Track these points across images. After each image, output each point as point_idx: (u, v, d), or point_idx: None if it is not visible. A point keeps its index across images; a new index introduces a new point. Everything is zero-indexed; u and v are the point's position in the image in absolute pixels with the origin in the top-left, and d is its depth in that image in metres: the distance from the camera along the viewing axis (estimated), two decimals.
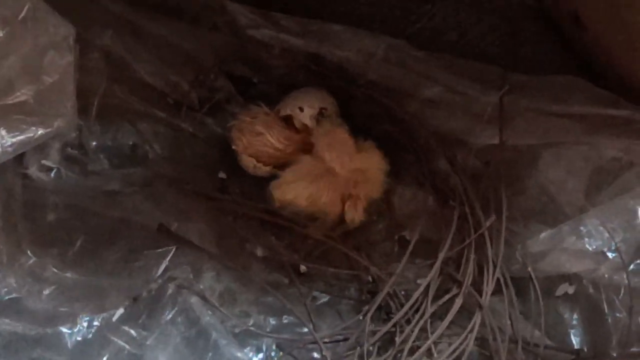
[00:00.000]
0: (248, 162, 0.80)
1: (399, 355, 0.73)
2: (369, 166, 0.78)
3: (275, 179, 0.79)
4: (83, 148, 0.78)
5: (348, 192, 0.78)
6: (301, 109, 0.80)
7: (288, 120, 0.80)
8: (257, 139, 0.79)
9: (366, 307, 0.76)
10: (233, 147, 0.80)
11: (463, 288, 0.74)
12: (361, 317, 0.76)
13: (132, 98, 0.79)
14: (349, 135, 0.78)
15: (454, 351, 0.73)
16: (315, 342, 0.74)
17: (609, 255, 0.74)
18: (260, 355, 0.75)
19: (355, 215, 0.78)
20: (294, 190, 0.78)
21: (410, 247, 0.78)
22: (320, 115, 0.80)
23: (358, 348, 0.74)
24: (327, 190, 0.78)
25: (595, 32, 0.79)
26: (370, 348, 0.74)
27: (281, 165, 0.79)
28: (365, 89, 0.80)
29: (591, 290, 0.75)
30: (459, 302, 0.74)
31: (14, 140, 0.68)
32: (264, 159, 0.80)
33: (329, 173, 0.78)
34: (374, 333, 0.74)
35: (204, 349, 0.74)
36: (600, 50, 0.80)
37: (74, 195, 0.76)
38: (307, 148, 0.79)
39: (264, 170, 0.80)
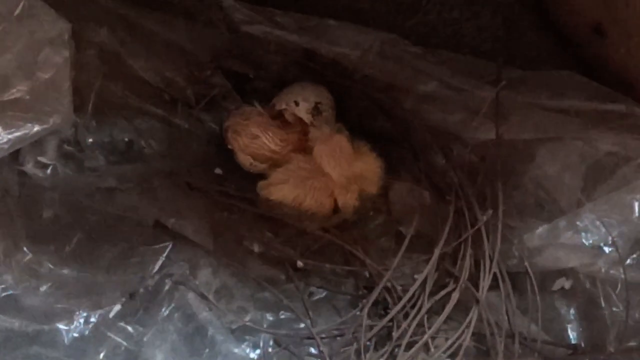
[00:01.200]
0: (244, 160, 0.81)
1: (396, 350, 0.73)
2: (366, 171, 0.79)
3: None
4: (79, 144, 0.77)
5: (340, 190, 0.78)
6: (296, 103, 0.80)
7: (283, 116, 0.80)
8: (254, 141, 0.80)
9: (363, 302, 0.77)
10: (229, 146, 0.81)
11: (460, 283, 0.74)
12: (358, 312, 0.76)
13: (127, 94, 0.79)
14: (348, 141, 0.79)
15: (451, 346, 0.73)
16: (312, 338, 0.74)
17: (606, 249, 0.74)
18: (258, 351, 0.75)
19: (348, 202, 0.78)
20: (280, 192, 0.79)
21: (406, 242, 0.78)
22: (316, 110, 0.80)
23: (355, 343, 0.74)
24: (313, 192, 0.79)
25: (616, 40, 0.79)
26: (367, 343, 0.74)
27: (277, 163, 0.80)
28: (360, 84, 0.81)
29: (588, 285, 0.75)
30: (455, 296, 0.74)
31: (10, 136, 0.68)
32: (260, 159, 0.80)
33: (318, 174, 0.78)
34: (371, 328, 0.74)
35: (201, 345, 0.73)
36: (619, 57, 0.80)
37: (70, 191, 0.76)
38: (302, 145, 0.79)
39: (260, 167, 0.81)
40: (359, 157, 0.79)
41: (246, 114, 0.80)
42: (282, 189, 0.78)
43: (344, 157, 0.78)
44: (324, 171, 0.78)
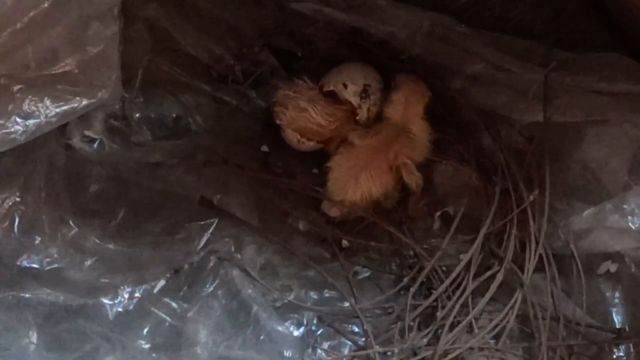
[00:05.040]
0: (292, 137, 0.80)
1: (440, 330, 0.73)
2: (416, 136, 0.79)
3: (320, 155, 0.80)
4: (126, 119, 0.78)
5: (395, 164, 0.78)
6: (345, 86, 0.79)
7: (332, 95, 0.80)
8: (301, 114, 0.79)
9: (406, 280, 0.77)
10: (277, 121, 0.80)
11: (504, 264, 0.74)
12: (402, 292, 0.76)
13: (175, 70, 0.79)
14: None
15: (494, 327, 0.73)
16: (356, 316, 0.74)
17: None
18: (301, 329, 0.76)
19: (414, 178, 0.77)
20: (346, 200, 0.78)
21: (455, 223, 0.78)
22: (364, 93, 0.79)
23: (399, 322, 0.74)
24: (375, 179, 0.78)
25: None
26: (411, 323, 0.75)
27: (325, 140, 0.79)
28: (409, 64, 0.80)
29: (634, 268, 0.75)
30: (499, 277, 0.74)
31: (57, 110, 0.69)
32: (308, 134, 0.79)
33: (370, 158, 0.78)
34: (415, 307, 0.75)
35: (244, 322, 0.74)
36: None
37: (116, 166, 0.77)
38: (350, 124, 0.79)
39: (307, 145, 0.80)
40: (408, 134, 0.79)
41: (296, 88, 0.79)
42: (345, 199, 0.78)
43: (420, 99, 0.78)
44: (378, 149, 0.78)
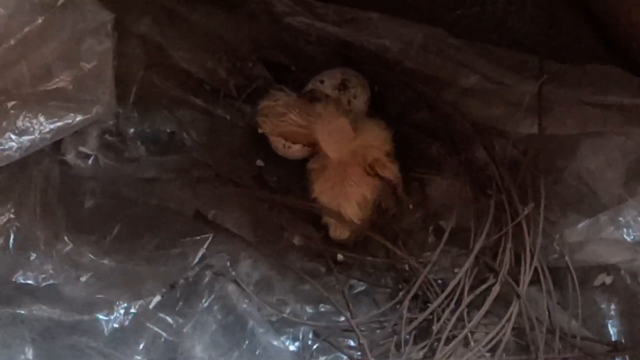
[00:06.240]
0: (277, 143, 0.80)
1: (436, 344, 0.73)
2: (370, 139, 0.78)
3: (309, 160, 0.80)
4: (121, 135, 0.78)
5: (368, 163, 0.77)
6: (322, 82, 0.81)
7: (312, 100, 0.80)
8: (282, 119, 0.79)
9: (402, 294, 0.77)
10: (260, 130, 0.80)
11: (500, 277, 0.74)
12: (398, 306, 0.76)
13: (169, 85, 0.79)
14: (349, 124, 0.77)
15: (490, 340, 0.73)
16: (352, 330, 0.74)
17: None
18: (297, 343, 0.75)
19: (388, 171, 0.77)
20: (349, 216, 0.78)
21: (446, 235, 0.78)
22: (342, 85, 0.80)
23: (395, 336, 0.74)
24: (358, 182, 0.77)
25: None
26: (407, 336, 0.74)
27: (311, 143, 0.79)
28: (402, 77, 0.80)
29: (629, 280, 0.75)
30: (495, 290, 0.74)
31: (52, 126, 0.69)
32: (292, 138, 0.79)
33: (344, 168, 0.77)
34: (410, 321, 0.74)
35: (240, 337, 0.73)
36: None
37: (111, 182, 0.77)
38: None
39: (295, 149, 0.80)
40: (361, 133, 0.78)
41: (275, 97, 0.80)
42: (345, 214, 0.78)
43: (343, 139, 0.78)
44: (346, 158, 0.77)
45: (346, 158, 0.77)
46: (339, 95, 0.80)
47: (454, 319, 0.74)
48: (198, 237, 0.76)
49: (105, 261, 0.75)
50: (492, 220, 0.77)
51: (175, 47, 0.78)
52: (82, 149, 0.76)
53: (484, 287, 0.75)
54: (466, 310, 0.74)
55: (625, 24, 0.79)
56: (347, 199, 0.77)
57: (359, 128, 0.78)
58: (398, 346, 0.74)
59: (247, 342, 0.73)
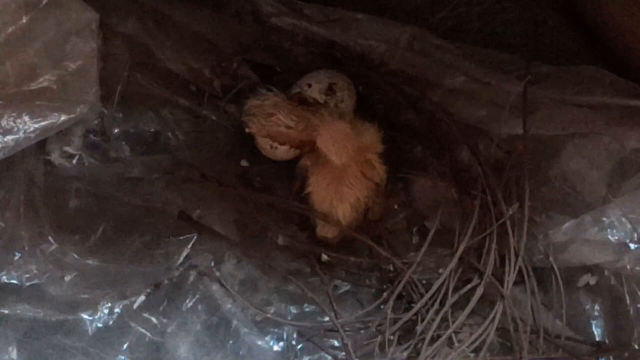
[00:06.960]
0: (264, 144, 0.80)
1: (420, 344, 0.73)
2: (365, 139, 0.78)
3: (298, 162, 0.79)
4: (105, 135, 0.78)
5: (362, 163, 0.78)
6: (309, 85, 0.81)
7: (300, 101, 0.79)
8: (269, 119, 0.78)
9: (386, 294, 0.76)
10: (247, 130, 0.79)
11: (484, 277, 0.74)
12: (382, 306, 0.76)
13: (154, 85, 0.79)
14: (349, 126, 0.78)
15: (474, 341, 0.73)
16: (336, 330, 0.74)
17: (631, 246, 0.73)
18: (281, 344, 0.75)
19: (375, 172, 0.77)
20: (339, 217, 0.78)
21: (430, 236, 0.78)
22: (330, 90, 0.80)
23: (379, 336, 0.74)
24: (354, 184, 0.77)
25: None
26: (391, 337, 0.74)
27: (298, 145, 0.79)
28: (387, 77, 0.80)
29: (613, 281, 0.75)
30: (480, 291, 0.74)
31: (36, 126, 0.69)
32: (279, 139, 0.79)
33: (343, 167, 0.77)
34: (395, 321, 0.75)
35: (224, 337, 0.74)
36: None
37: (95, 182, 0.77)
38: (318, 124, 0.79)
39: (281, 150, 0.80)
40: (357, 135, 0.77)
41: (263, 97, 0.79)
42: (335, 213, 0.78)
43: (347, 143, 0.78)
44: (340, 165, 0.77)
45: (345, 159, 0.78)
46: (326, 99, 0.80)
47: (438, 319, 0.74)
48: (182, 237, 0.76)
49: (90, 261, 0.75)
50: (476, 221, 0.77)
51: (161, 47, 0.78)
52: (66, 148, 0.75)
53: (468, 287, 0.75)
54: (450, 310, 0.74)
55: (610, 25, 0.79)
56: (341, 199, 0.77)
57: (355, 130, 0.78)
58: (382, 346, 0.74)
59: (231, 342, 0.74)
